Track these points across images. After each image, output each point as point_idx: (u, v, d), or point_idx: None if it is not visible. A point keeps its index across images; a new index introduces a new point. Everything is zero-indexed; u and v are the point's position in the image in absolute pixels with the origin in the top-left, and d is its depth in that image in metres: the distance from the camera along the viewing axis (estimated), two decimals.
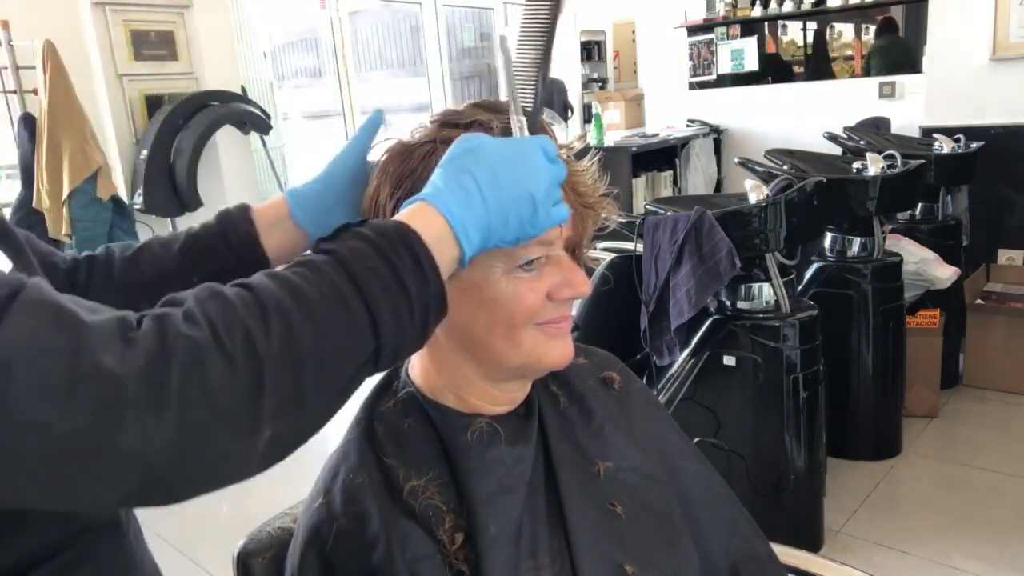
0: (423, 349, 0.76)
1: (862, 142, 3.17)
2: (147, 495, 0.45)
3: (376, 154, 0.75)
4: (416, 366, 0.78)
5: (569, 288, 0.71)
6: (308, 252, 0.53)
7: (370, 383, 0.81)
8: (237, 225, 0.75)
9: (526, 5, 0.70)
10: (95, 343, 0.42)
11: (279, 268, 0.51)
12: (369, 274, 0.51)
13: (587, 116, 6.57)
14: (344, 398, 0.52)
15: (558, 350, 0.73)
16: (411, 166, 0.70)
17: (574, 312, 2.35)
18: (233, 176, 3.91)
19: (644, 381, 1.40)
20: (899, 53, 4.76)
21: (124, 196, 3.46)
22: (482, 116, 0.71)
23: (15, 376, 0.40)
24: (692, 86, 5.46)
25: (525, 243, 0.63)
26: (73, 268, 0.74)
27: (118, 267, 0.75)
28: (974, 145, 3.20)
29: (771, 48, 5.31)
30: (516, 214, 0.59)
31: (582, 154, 0.74)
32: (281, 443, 0.48)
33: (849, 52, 5.12)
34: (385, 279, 0.51)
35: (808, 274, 2.70)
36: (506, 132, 0.67)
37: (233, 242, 0.74)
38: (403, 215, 0.57)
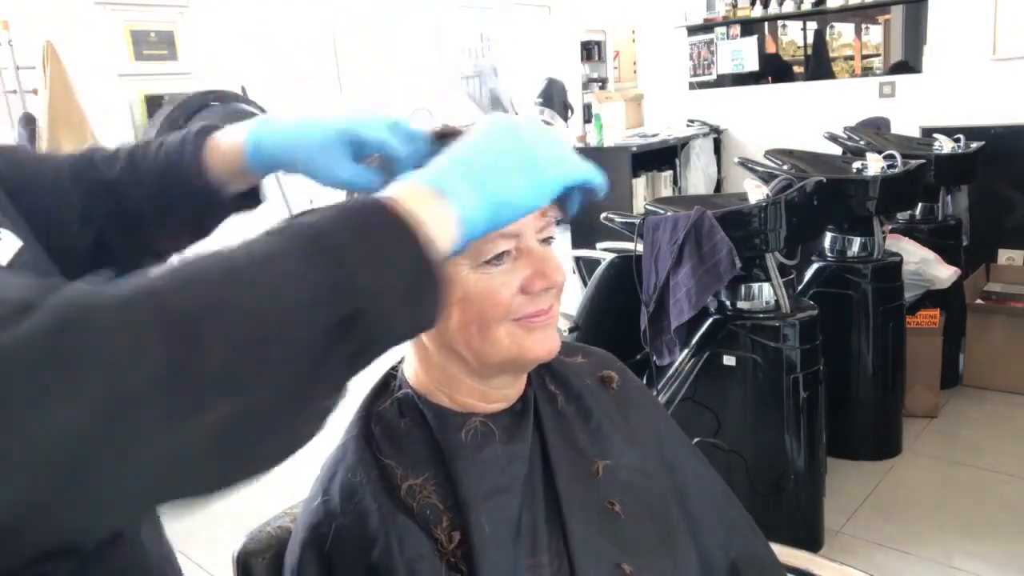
0: (411, 350, 0.76)
1: (862, 142, 3.17)
2: (52, 510, 0.36)
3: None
4: (409, 367, 0.78)
5: (542, 279, 0.69)
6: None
7: (368, 384, 0.81)
8: (192, 176, 0.71)
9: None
10: None
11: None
12: (331, 231, 0.44)
13: (587, 116, 6.57)
14: (322, 376, 0.43)
15: (541, 343, 0.71)
16: None
17: (574, 311, 2.36)
18: None
19: (644, 381, 1.41)
20: None
21: None
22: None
23: None
24: (692, 86, 5.46)
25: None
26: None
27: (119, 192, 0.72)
28: (974, 145, 3.20)
29: (771, 48, 5.31)
30: (517, 166, 0.54)
31: None
32: (244, 426, 0.40)
33: (849, 52, 5.12)
34: (351, 235, 0.45)
35: (808, 274, 2.70)
36: None
37: (194, 189, 0.71)
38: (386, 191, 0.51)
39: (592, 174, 0.59)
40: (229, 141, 0.71)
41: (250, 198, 0.76)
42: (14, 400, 0.35)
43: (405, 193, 0.50)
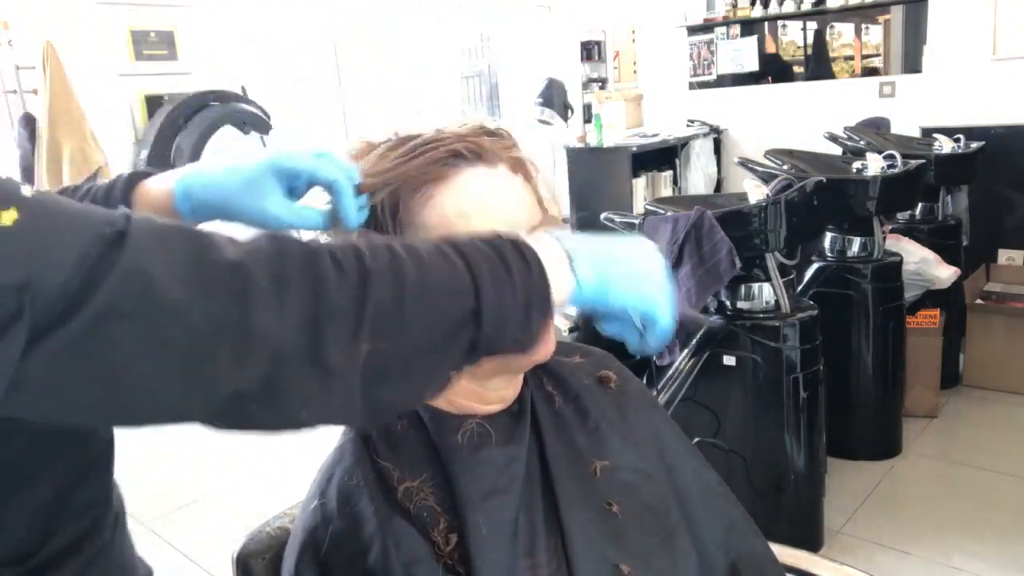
0: None
1: (862, 142, 3.17)
2: (266, 394, 0.46)
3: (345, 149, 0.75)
4: None
5: None
6: None
7: None
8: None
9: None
10: (217, 244, 0.46)
11: None
12: (470, 247, 0.54)
13: (587, 116, 6.56)
14: (446, 350, 0.53)
15: None
16: (384, 166, 0.71)
17: (574, 311, 2.36)
18: None
19: (644, 381, 1.41)
20: None
21: None
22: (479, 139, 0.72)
23: (155, 271, 0.43)
24: (692, 86, 5.45)
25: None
26: None
27: None
28: (974, 145, 3.20)
29: (771, 48, 5.31)
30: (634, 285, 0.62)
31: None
32: (380, 363, 0.50)
33: (849, 52, 5.12)
34: (486, 253, 0.54)
35: (808, 274, 2.70)
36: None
37: None
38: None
39: (669, 321, 0.65)
40: (159, 187, 0.71)
41: None
42: (256, 299, 0.45)
43: (542, 242, 0.58)
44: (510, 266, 0.54)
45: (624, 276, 0.62)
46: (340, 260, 0.49)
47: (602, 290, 0.61)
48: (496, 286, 0.53)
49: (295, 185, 0.69)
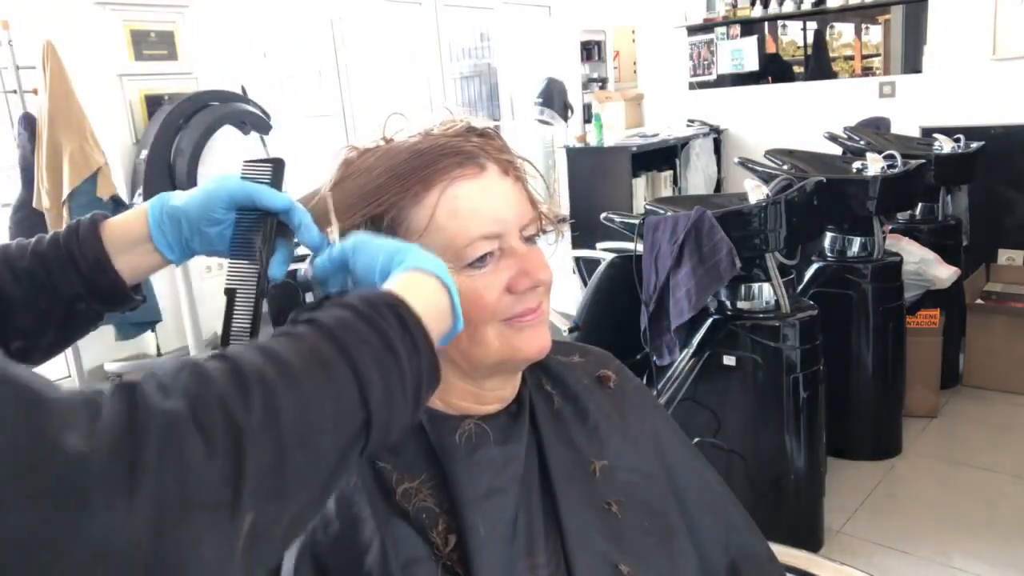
0: None
1: (862, 142, 3.17)
2: None
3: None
4: None
5: (527, 278, 0.69)
6: (289, 322, 0.52)
7: None
8: (84, 247, 0.67)
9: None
10: (57, 422, 0.38)
11: (261, 339, 0.49)
12: (355, 338, 0.49)
13: (587, 116, 6.56)
14: (332, 483, 0.49)
15: (530, 342, 0.71)
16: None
17: (574, 311, 2.36)
18: None
19: (644, 381, 1.41)
20: None
21: (124, 196, 3.46)
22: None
23: None
24: (692, 86, 5.45)
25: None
26: None
27: None
28: (974, 145, 3.20)
29: (771, 48, 5.31)
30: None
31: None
32: (265, 535, 0.43)
33: (849, 52, 5.12)
34: (373, 344, 0.50)
35: (808, 274, 2.70)
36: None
37: (82, 267, 0.66)
38: (393, 284, 0.57)
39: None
40: (129, 215, 0.69)
41: (127, 298, 0.69)
42: (96, 501, 0.37)
43: (427, 290, 0.57)
44: (397, 353, 0.51)
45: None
46: (206, 426, 0.41)
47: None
48: (386, 385, 0.49)
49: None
